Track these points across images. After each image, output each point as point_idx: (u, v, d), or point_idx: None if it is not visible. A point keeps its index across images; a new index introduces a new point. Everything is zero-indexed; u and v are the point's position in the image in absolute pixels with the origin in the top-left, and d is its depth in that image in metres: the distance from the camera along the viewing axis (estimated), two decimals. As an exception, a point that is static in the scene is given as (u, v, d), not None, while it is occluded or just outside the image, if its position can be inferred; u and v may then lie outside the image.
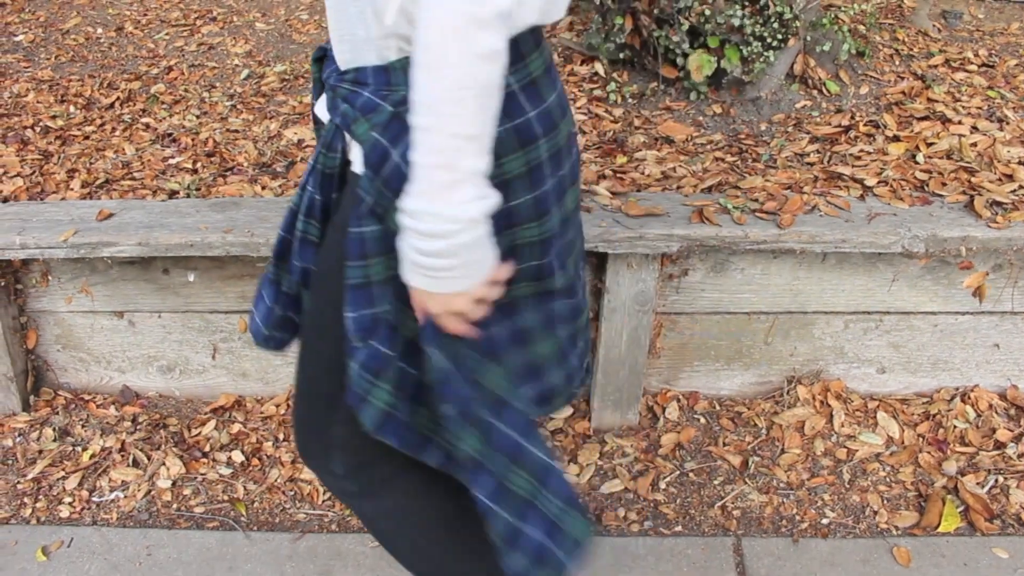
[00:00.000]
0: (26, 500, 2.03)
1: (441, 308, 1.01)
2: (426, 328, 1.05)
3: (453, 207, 0.91)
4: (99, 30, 3.30)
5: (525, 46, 1.04)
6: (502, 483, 1.11)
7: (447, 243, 0.93)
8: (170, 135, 2.61)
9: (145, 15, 3.40)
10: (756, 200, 2.06)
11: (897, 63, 2.76)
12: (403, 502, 1.30)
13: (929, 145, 2.29)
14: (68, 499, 2.03)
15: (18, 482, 2.07)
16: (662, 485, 2.02)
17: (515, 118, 1.04)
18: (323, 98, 1.17)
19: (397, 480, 1.28)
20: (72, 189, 2.28)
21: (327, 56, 1.17)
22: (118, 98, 2.83)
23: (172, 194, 2.22)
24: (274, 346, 1.32)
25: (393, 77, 1.03)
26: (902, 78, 2.66)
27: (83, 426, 2.21)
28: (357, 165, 1.09)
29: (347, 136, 1.10)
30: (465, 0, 0.85)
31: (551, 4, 1.03)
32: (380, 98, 1.04)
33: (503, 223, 1.06)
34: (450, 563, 1.34)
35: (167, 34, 3.25)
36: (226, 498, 2.02)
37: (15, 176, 2.35)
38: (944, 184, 2.13)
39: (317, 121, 1.23)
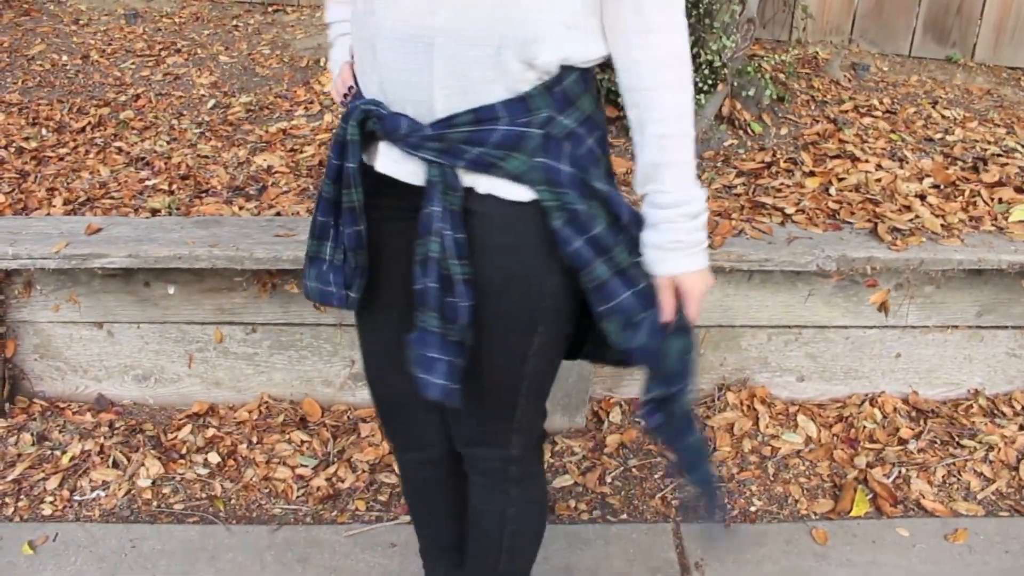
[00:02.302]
0: (7, 500, 2.13)
1: (704, 286, 1.22)
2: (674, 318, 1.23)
3: (701, 190, 1.20)
4: (64, 57, 3.42)
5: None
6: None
7: (704, 219, 1.20)
8: (143, 159, 2.76)
9: (110, 44, 3.53)
10: (691, 225, 2.32)
11: (813, 108, 3.09)
12: (536, 493, 1.50)
13: (840, 180, 2.60)
14: (50, 498, 2.13)
15: (-1, 483, 2.16)
16: (608, 479, 2.23)
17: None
18: (393, 155, 1.23)
19: (539, 476, 1.50)
20: (55, 206, 2.40)
21: (369, 117, 1.20)
22: (89, 122, 2.96)
23: (154, 212, 2.37)
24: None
25: (532, 103, 1.16)
26: (817, 121, 2.98)
27: (60, 431, 2.31)
28: (518, 193, 1.18)
29: (459, 173, 1.18)
30: (685, 33, 1.18)
31: None
32: (522, 126, 1.15)
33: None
34: (529, 564, 1.59)
35: (133, 63, 3.38)
36: (204, 496, 2.16)
37: (-4, 193, 2.47)
38: (853, 213, 2.42)
39: (374, 178, 1.26)
